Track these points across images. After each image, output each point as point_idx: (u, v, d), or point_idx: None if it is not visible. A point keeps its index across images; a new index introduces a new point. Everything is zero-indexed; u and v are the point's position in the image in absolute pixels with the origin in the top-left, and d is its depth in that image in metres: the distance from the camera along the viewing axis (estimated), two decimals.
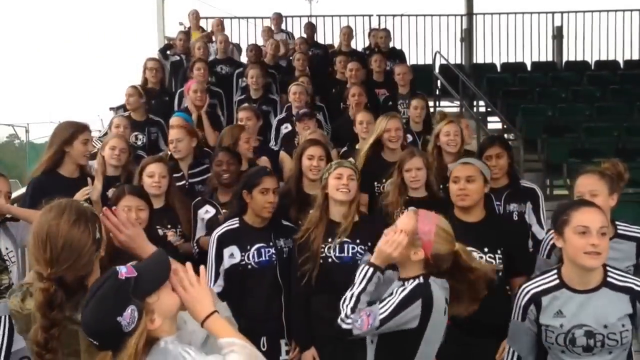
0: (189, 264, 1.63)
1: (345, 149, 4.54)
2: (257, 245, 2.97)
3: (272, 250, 2.99)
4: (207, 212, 3.52)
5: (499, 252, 2.70)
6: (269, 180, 3.01)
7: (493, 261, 2.68)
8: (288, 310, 2.97)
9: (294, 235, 3.03)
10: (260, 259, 2.96)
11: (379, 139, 3.94)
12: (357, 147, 4.42)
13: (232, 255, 2.97)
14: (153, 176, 3.34)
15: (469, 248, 2.60)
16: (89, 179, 3.39)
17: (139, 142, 4.87)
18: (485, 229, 2.75)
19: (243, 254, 2.96)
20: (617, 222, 2.63)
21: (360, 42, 8.80)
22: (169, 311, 1.55)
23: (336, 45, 7.42)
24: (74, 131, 3.32)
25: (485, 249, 2.69)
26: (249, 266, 2.94)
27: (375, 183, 3.80)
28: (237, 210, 3.08)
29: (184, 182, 3.97)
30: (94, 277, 1.69)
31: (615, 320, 2.07)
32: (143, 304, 1.49)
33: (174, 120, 4.47)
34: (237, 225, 3.03)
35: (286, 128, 5.22)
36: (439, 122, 4.02)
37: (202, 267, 1.64)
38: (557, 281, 2.15)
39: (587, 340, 2.07)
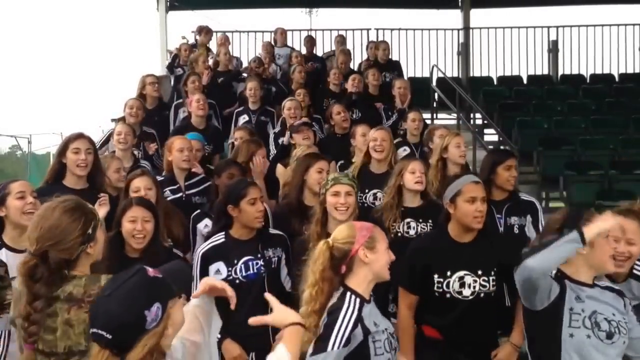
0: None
1: (342, 162, 4.57)
2: (244, 259, 2.95)
3: (261, 262, 2.97)
4: (206, 226, 3.49)
5: (492, 273, 2.65)
6: (254, 190, 3.01)
7: (487, 284, 2.65)
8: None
9: (293, 242, 3.03)
10: (248, 273, 2.94)
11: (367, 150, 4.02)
12: (353, 160, 4.47)
13: (218, 271, 2.93)
14: (138, 191, 3.31)
15: (462, 272, 2.64)
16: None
17: (137, 154, 4.88)
18: (478, 249, 2.69)
19: (230, 269, 2.93)
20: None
21: (357, 55, 8.96)
22: (179, 324, 1.56)
23: (333, 63, 7.49)
24: (65, 142, 3.34)
25: (479, 272, 2.65)
26: (237, 281, 2.90)
27: (359, 194, 3.81)
28: (222, 225, 3.04)
29: (180, 194, 3.94)
30: (79, 269, 1.85)
31: None
32: (167, 307, 1.49)
33: (193, 143, 4.46)
34: (223, 240, 2.99)
35: (282, 141, 5.26)
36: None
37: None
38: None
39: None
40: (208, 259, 2.95)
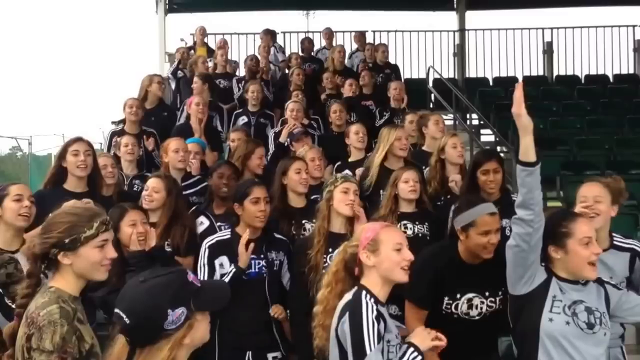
0: None
1: (339, 163, 4.57)
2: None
3: (263, 262, 3.00)
4: (201, 223, 3.52)
5: (500, 293, 2.57)
6: (258, 190, 3.04)
7: (494, 305, 2.59)
8: (279, 323, 2.97)
9: (292, 246, 3.08)
10: (250, 271, 2.96)
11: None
12: (350, 160, 4.49)
13: (222, 265, 2.99)
14: (147, 189, 3.34)
15: (471, 294, 2.56)
16: None
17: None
18: (487, 269, 2.57)
19: (232, 265, 2.96)
20: (613, 234, 2.70)
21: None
22: (199, 340, 1.50)
23: (329, 63, 7.58)
24: (65, 146, 3.40)
25: (487, 293, 2.59)
26: None
27: (381, 191, 3.81)
28: (232, 222, 3.13)
29: None
30: (59, 275, 1.83)
31: None
32: (192, 316, 1.45)
33: (192, 146, 4.45)
34: (229, 236, 3.06)
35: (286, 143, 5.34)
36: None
37: None
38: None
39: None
40: (213, 252, 3.02)
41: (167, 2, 9.71)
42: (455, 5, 10.38)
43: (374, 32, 9.95)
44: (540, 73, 10.04)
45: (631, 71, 10.04)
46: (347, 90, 6.35)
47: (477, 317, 2.60)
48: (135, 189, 4.27)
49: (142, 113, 5.22)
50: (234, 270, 2.92)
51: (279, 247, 3.10)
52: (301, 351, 2.89)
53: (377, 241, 2.08)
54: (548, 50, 10.03)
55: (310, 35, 9.16)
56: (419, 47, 10.04)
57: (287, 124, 5.12)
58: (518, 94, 2.14)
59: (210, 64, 7.13)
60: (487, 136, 8.36)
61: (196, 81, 5.83)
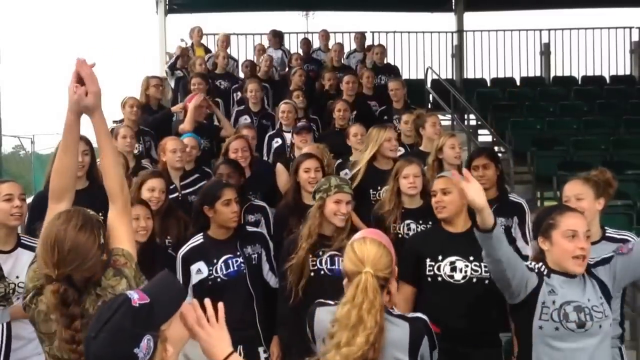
0: (195, 302, 1.57)
1: (339, 160, 4.58)
2: (224, 257, 2.99)
3: (240, 260, 3.00)
4: None
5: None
6: (229, 191, 3.04)
7: (479, 269, 2.68)
8: (262, 317, 2.99)
9: (285, 240, 3.06)
10: (229, 271, 2.97)
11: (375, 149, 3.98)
12: (351, 158, 4.48)
13: (200, 270, 2.97)
14: (154, 190, 3.37)
15: (454, 257, 2.70)
16: None
17: (136, 151, 4.94)
18: (469, 239, 2.64)
19: (210, 268, 2.97)
20: (605, 227, 2.76)
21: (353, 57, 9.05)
22: (181, 340, 1.48)
23: (327, 60, 7.64)
24: None
25: (471, 257, 2.70)
26: (218, 279, 2.96)
27: (371, 191, 3.86)
28: (200, 226, 3.10)
29: (176, 194, 3.96)
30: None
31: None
32: (158, 333, 1.39)
33: (189, 140, 4.48)
34: (201, 241, 3.05)
35: (277, 142, 5.38)
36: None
37: (207, 302, 1.57)
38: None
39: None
40: (188, 260, 3.01)
41: (167, 3, 9.75)
42: (453, 7, 10.44)
43: (372, 33, 10.01)
44: (538, 74, 10.10)
45: (627, 72, 10.12)
46: (347, 88, 6.23)
47: (462, 281, 2.67)
48: None
49: (140, 112, 5.25)
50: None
51: (254, 240, 3.13)
52: (297, 348, 2.84)
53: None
54: (545, 51, 10.09)
55: (309, 36, 9.22)
56: (418, 48, 10.11)
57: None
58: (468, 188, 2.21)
59: (210, 62, 7.16)
60: (485, 136, 8.44)
61: (199, 82, 5.80)
